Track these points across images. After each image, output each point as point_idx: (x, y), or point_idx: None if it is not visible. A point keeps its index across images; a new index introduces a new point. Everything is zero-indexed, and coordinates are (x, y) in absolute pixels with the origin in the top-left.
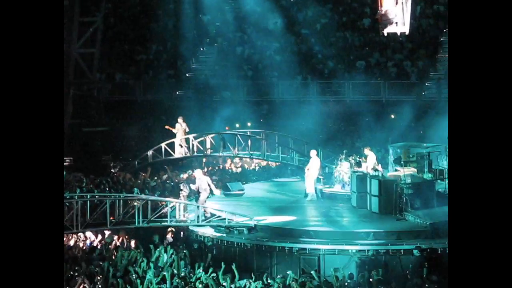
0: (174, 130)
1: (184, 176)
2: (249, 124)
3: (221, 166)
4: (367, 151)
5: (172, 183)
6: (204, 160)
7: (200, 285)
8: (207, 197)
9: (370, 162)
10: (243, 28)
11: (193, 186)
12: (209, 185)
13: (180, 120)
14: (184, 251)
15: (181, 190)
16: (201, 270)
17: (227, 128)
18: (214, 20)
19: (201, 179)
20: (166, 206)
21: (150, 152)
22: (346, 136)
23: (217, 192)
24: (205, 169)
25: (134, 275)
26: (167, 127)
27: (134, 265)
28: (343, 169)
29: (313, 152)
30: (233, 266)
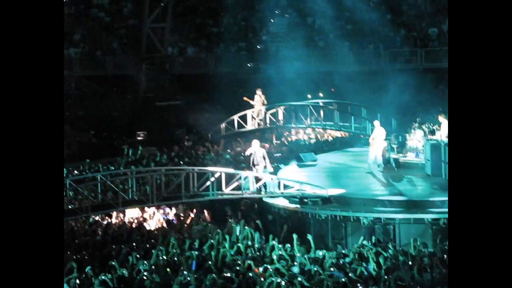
0: (252, 102)
1: None
2: (321, 94)
3: (293, 137)
4: (441, 118)
5: (245, 155)
6: (276, 131)
7: (275, 257)
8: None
9: (444, 129)
10: None
11: (247, 152)
12: (264, 158)
13: (259, 92)
14: (257, 221)
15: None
16: (275, 242)
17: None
18: None
19: (257, 152)
20: (240, 178)
21: (223, 125)
22: (419, 104)
23: (270, 168)
24: (277, 141)
25: (207, 249)
26: (245, 98)
27: (208, 237)
28: (417, 137)
29: (376, 122)
30: (309, 237)
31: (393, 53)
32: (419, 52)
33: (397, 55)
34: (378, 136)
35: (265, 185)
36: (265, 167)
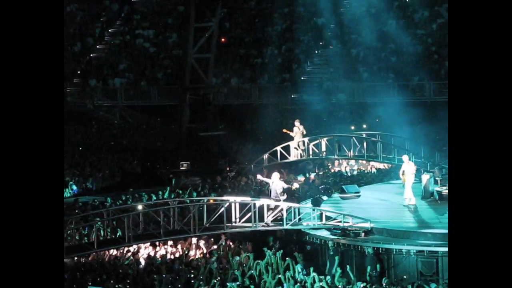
0: (291, 134)
1: (302, 179)
2: (364, 126)
3: (336, 168)
4: None
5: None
6: (318, 162)
7: None
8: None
9: None
10: (358, 30)
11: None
12: (283, 191)
13: (297, 123)
14: (297, 254)
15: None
16: (315, 274)
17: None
18: (329, 23)
19: (276, 184)
20: (282, 209)
21: (265, 156)
22: None
23: (282, 200)
24: (320, 172)
25: (248, 280)
26: (284, 130)
27: (249, 268)
28: None
29: (405, 157)
30: (348, 269)
31: (437, 86)
32: None
33: (441, 88)
34: (407, 170)
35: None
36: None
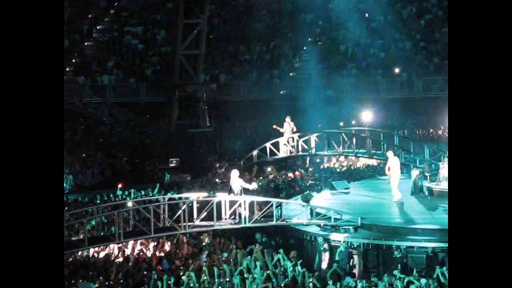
0: (281, 130)
1: (291, 174)
2: (353, 122)
3: (326, 165)
4: None
5: (277, 183)
6: (308, 158)
7: (311, 285)
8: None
9: None
10: (347, 26)
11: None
12: (241, 189)
13: (287, 119)
14: (287, 249)
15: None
16: (305, 270)
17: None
18: (317, 19)
19: (235, 181)
20: (272, 206)
21: (255, 152)
22: None
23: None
24: (309, 168)
25: (238, 275)
26: (274, 126)
27: (238, 265)
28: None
29: (390, 153)
30: (335, 266)
31: (427, 81)
32: None
33: (430, 83)
34: (393, 166)
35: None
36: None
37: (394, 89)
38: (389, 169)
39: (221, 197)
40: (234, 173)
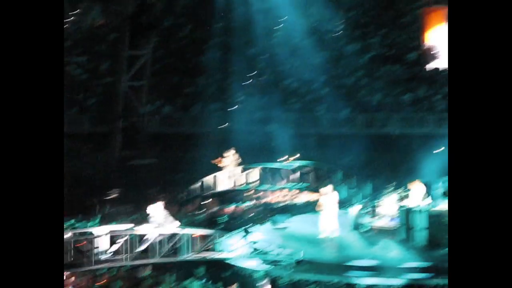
0: (224, 163)
1: (232, 208)
2: (297, 156)
3: (269, 198)
4: (415, 184)
5: (218, 216)
6: (249, 192)
7: None
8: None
9: (418, 195)
10: (291, 61)
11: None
12: (164, 220)
13: (231, 152)
14: (227, 283)
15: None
16: None
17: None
18: (262, 53)
19: (157, 213)
20: (212, 239)
21: (197, 185)
22: (394, 168)
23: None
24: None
25: None
26: (217, 159)
27: None
28: (391, 202)
29: (328, 188)
30: None
31: (369, 118)
32: (394, 117)
33: (373, 120)
34: (329, 201)
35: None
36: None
37: (336, 125)
38: (324, 204)
39: (157, 229)
40: (158, 205)
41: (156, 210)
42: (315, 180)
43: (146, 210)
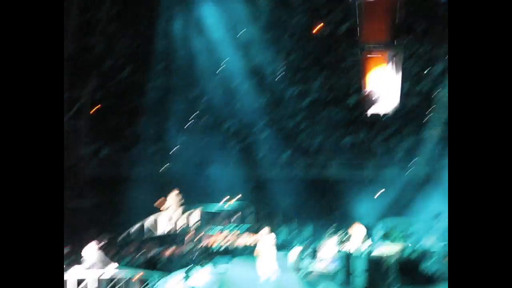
0: (165, 205)
1: (172, 250)
2: (237, 198)
3: (209, 240)
4: (355, 227)
5: (157, 258)
6: (190, 234)
7: None
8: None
9: (358, 238)
10: (232, 104)
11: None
12: (101, 262)
13: (172, 194)
14: None
15: None
16: None
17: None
18: (203, 95)
19: (93, 255)
20: (151, 281)
21: (138, 226)
22: (334, 212)
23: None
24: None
25: None
26: (159, 201)
27: None
28: (331, 245)
29: (265, 230)
30: None
31: (309, 161)
32: (334, 161)
33: (313, 163)
34: (268, 243)
35: None
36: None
37: (277, 168)
38: (263, 246)
39: (93, 271)
40: (93, 245)
41: (92, 251)
42: (255, 222)
43: (82, 252)
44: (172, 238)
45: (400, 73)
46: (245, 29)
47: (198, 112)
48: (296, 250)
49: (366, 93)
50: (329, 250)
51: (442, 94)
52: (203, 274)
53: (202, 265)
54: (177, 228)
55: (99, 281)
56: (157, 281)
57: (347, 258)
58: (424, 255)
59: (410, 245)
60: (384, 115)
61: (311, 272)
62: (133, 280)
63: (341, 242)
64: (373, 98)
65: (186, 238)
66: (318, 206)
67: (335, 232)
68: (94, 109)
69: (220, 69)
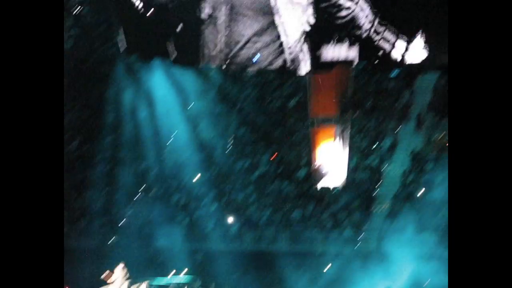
0: (112, 278)
1: None
2: (185, 271)
3: None
4: None
5: None
6: None
7: None
8: None
9: None
10: (180, 176)
11: None
12: None
13: (119, 267)
14: None
15: None
16: None
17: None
18: (152, 168)
19: None
20: None
21: None
22: (283, 286)
23: None
24: None
25: None
26: (105, 275)
27: None
28: None
29: None
30: None
31: (258, 234)
32: (283, 234)
33: (261, 236)
34: None
35: None
36: None
37: (225, 241)
38: None
39: None
40: None
41: None
42: None
43: None
44: None
45: (348, 148)
46: (194, 102)
47: (146, 185)
48: None
49: (316, 166)
50: None
51: (390, 168)
52: None
53: None
54: None
55: None
56: None
57: None
58: None
59: None
60: (334, 188)
61: None
62: None
63: None
64: (323, 172)
65: None
66: (266, 280)
67: None
68: None
69: (169, 141)
